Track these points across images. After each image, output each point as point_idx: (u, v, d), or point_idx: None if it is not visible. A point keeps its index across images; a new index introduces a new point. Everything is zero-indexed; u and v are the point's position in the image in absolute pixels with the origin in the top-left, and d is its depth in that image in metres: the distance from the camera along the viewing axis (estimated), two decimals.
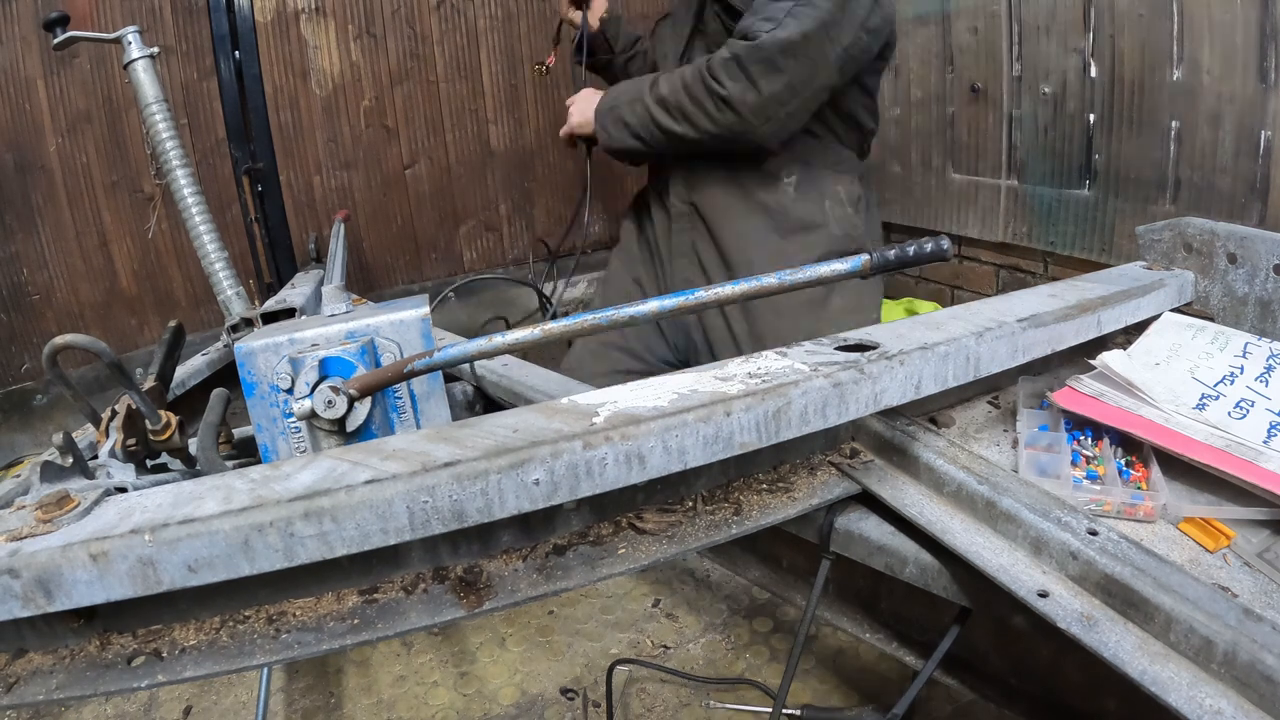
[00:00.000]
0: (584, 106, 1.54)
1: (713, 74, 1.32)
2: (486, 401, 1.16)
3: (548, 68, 1.85)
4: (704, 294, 0.75)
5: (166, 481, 0.75)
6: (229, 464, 0.82)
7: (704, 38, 1.54)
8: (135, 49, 1.29)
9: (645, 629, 1.63)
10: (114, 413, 0.80)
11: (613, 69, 1.89)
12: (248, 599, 0.61)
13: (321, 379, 0.75)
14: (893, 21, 1.44)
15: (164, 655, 0.58)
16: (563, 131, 1.60)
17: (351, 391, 0.71)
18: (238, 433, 1.01)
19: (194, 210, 1.33)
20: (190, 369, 1.27)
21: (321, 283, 1.48)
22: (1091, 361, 0.83)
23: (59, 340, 0.69)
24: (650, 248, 1.71)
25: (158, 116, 1.30)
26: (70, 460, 0.66)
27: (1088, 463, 0.76)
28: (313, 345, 0.81)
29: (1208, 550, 0.65)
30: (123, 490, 0.63)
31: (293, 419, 0.80)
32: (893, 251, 0.74)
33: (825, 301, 1.51)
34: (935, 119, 2.37)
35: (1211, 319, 0.97)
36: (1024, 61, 2.07)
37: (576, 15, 1.81)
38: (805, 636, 0.90)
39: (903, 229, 2.61)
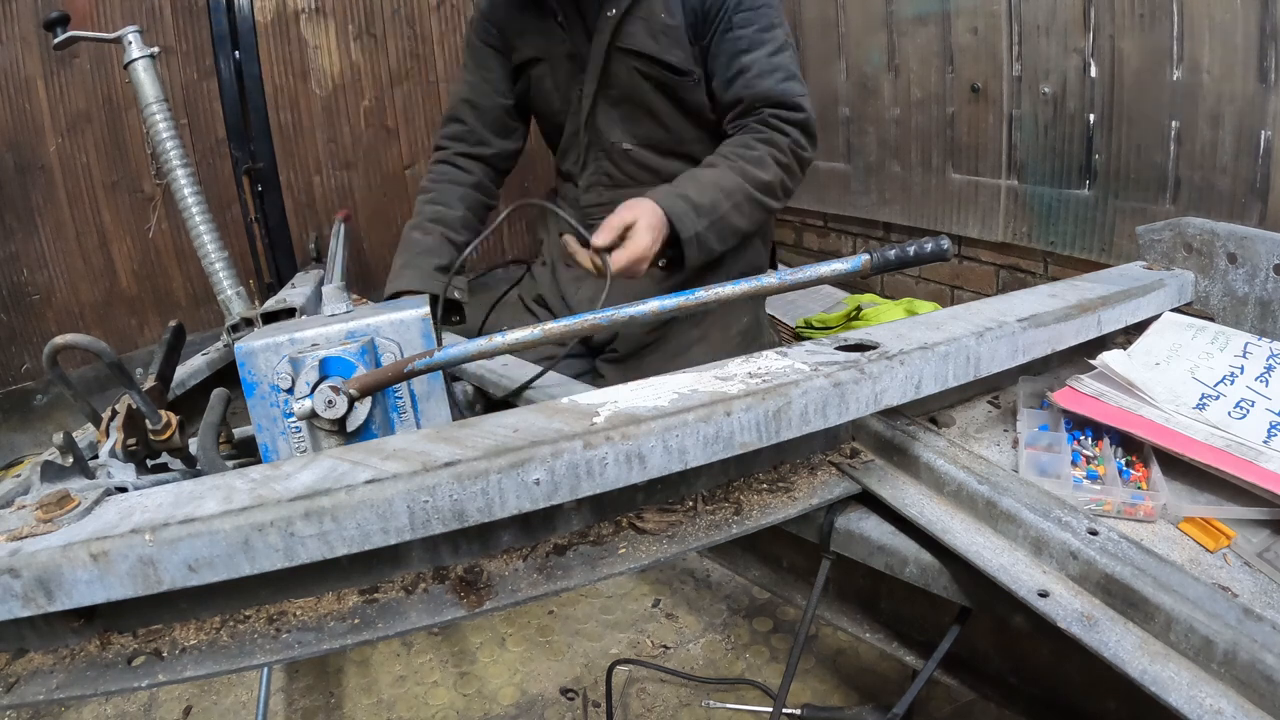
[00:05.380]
0: (650, 224, 1.20)
1: (799, 145, 1.38)
2: (486, 401, 1.17)
3: None
4: (704, 294, 0.75)
5: (167, 481, 0.75)
6: (229, 464, 0.82)
7: (609, 92, 1.48)
8: (135, 49, 1.29)
9: (645, 629, 1.63)
10: (114, 412, 0.80)
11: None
12: (248, 599, 0.61)
13: (322, 379, 0.75)
14: None
15: (164, 655, 0.58)
16: (628, 263, 1.16)
17: (352, 391, 0.71)
18: (238, 433, 1.01)
19: (194, 210, 1.33)
20: (190, 369, 1.27)
21: (321, 283, 1.48)
22: (1091, 361, 0.83)
23: (59, 340, 0.69)
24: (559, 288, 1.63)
25: (158, 116, 1.30)
26: (70, 460, 0.66)
27: (1088, 463, 0.76)
28: (313, 345, 0.81)
29: (1208, 550, 0.65)
30: (123, 490, 0.63)
31: (293, 419, 0.80)
32: (893, 251, 0.74)
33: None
34: (935, 119, 2.37)
35: (1211, 319, 0.97)
36: (1024, 61, 2.08)
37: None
38: (805, 636, 0.90)
39: (903, 229, 2.61)
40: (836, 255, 1.66)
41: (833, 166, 2.83)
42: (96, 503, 0.58)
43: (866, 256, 0.74)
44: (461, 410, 1.15)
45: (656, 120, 1.48)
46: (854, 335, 0.77)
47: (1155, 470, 0.73)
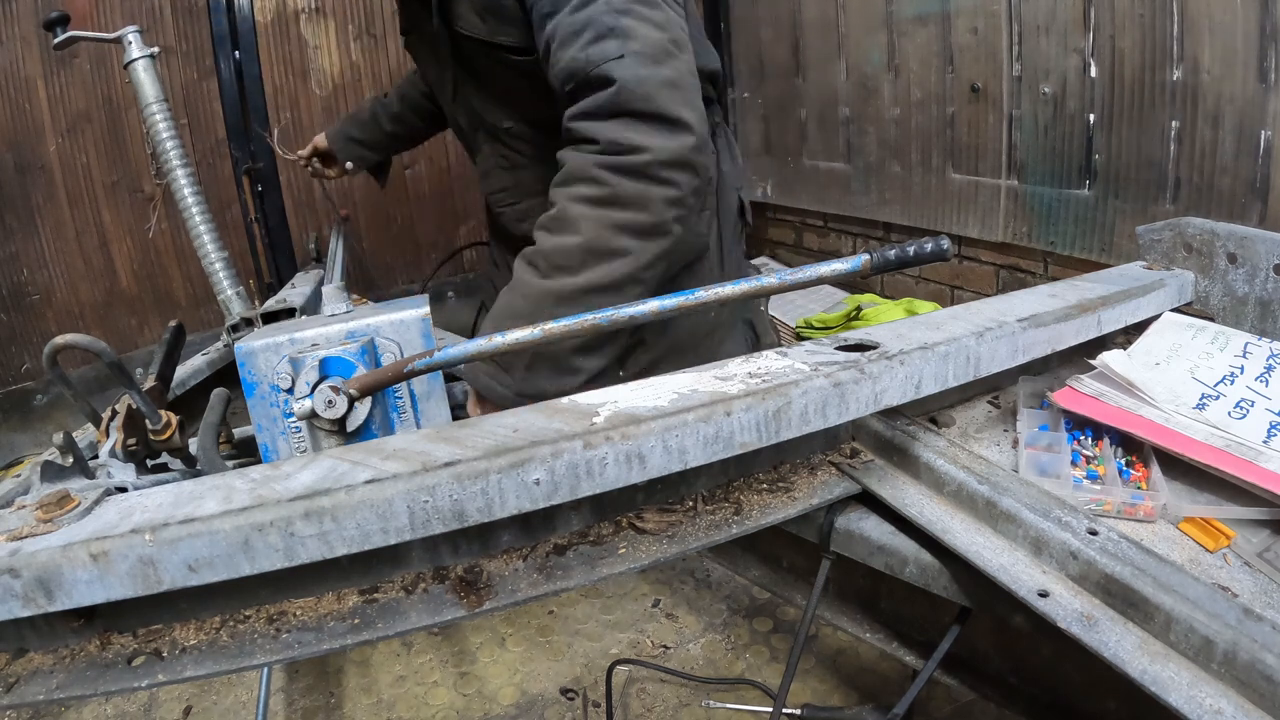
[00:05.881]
0: None
1: (619, 149, 0.90)
2: None
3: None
4: (704, 293, 0.75)
5: (167, 481, 0.75)
6: (229, 464, 0.82)
7: (471, 73, 1.23)
8: (135, 49, 1.29)
9: (645, 629, 1.63)
10: (114, 412, 0.80)
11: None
12: (248, 599, 0.61)
13: (322, 379, 0.75)
14: None
15: (164, 655, 0.58)
16: None
17: (352, 391, 0.71)
18: (238, 433, 1.01)
19: (194, 210, 1.33)
20: (190, 369, 1.28)
21: (321, 283, 1.48)
22: (1091, 361, 0.83)
23: (59, 340, 0.69)
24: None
25: (158, 116, 1.30)
26: (70, 460, 0.66)
27: (1088, 462, 0.76)
28: (313, 345, 0.81)
29: (1208, 550, 0.65)
30: (123, 490, 0.63)
31: (293, 419, 0.80)
32: (893, 251, 0.74)
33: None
34: (935, 119, 2.37)
35: (1211, 319, 0.97)
36: (1024, 61, 2.07)
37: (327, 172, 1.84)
38: (805, 636, 0.90)
39: (903, 229, 2.61)
40: (836, 255, 1.65)
41: (833, 166, 2.83)
42: (96, 503, 0.58)
43: (866, 256, 0.74)
44: (461, 410, 1.15)
45: (531, 99, 1.17)
46: (854, 335, 0.77)
47: (1155, 470, 0.73)
